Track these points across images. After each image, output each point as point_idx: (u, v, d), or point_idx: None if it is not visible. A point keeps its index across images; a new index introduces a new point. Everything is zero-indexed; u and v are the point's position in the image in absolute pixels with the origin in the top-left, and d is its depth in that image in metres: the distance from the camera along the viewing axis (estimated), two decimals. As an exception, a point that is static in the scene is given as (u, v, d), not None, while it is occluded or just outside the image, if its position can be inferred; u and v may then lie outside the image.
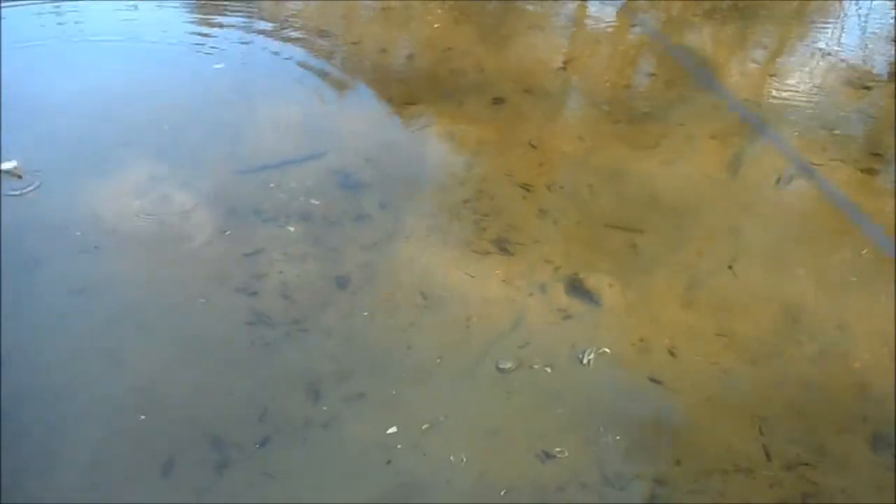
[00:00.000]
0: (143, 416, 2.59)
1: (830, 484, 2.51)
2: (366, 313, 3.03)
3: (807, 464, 2.56)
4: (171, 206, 3.52)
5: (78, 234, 3.33)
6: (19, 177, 3.32)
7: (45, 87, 4.39)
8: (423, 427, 2.60)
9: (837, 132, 4.32)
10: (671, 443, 2.61)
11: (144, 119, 4.13)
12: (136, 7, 5.50)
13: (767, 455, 2.57)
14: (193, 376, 2.75)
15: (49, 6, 5.45)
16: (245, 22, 5.31)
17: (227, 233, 3.39)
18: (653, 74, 5.00)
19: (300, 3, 5.74)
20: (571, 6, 5.92)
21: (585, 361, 2.85)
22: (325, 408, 2.65)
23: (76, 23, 5.27)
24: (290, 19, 5.36)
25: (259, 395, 2.69)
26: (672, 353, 2.91)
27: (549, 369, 2.82)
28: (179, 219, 3.45)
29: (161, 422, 2.59)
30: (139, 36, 5.07)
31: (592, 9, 5.87)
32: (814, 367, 2.90)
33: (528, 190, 3.74)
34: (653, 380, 2.81)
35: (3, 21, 5.11)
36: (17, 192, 3.49)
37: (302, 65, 4.80)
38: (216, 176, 3.73)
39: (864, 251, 3.47)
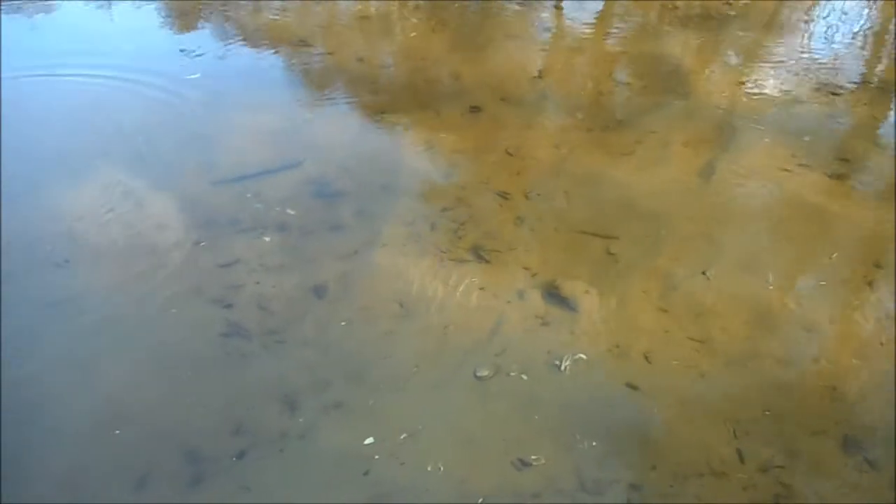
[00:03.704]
0: (117, 431, 2.57)
1: (803, 486, 2.54)
2: (343, 323, 3.02)
3: (780, 466, 2.59)
4: (146, 217, 3.49)
5: (49, 247, 3.30)
6: None
7: (16, 98, 4.34)
8: (401, 437, 2.60)
9: (807, 138, 4.40)
10: (647, 447, 2.63)
11: (119, 130, 4.10)
12: (111, 18, 5.46)
13: (741, 458, 2.60)
14: (168, 389, 2.73)
15: (21, 12, 5.40)
16: (221, 31, 5.29)
17: (203, 244, 3.37)
18: (627, 82, 5.06)
19: (277, 12, 5.73)
20: (547, 15, 5.97)
21: (562, 368, 2.87)
22: (301, 419, 2.64)
23: (49, 30, 5.22)
24: (267, 29, 5.36)
25: (235, 407, 2.67)
26: (647, 359, 2.94)
27: (525, 376, 2.84)
28: (154, 230, 3.42)
29: (135, 436, 2.57)
30: (114, 46, 5.03)
31: (568, 18, 5.92)
32: (786, 371, 2.95)
33: (505, 198, 3.76)
34: (629, 385, 2.83)
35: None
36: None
37: (278, 74, 4.80)
38: (191, 187, 3.71)
39: (834, 255, 3.53)
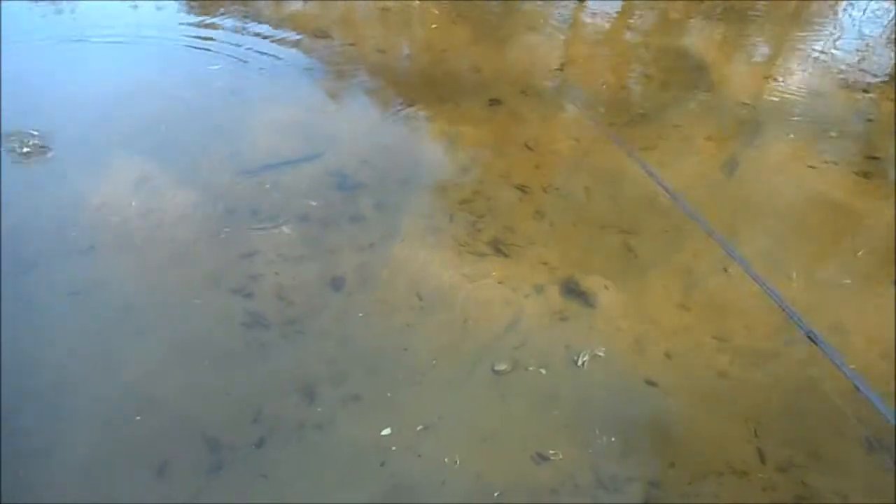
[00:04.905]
0: (138, 417, 2.59)
1: (824, 486, 2.51)
2: (361, 315, 3.03)
3: (801, 466, 2.56)
4: (167, 206, 3.51)
5: (73, 234, 3.33)
6: None
7: (42, 87, 4.38)
8: (418, 429, 2.60)
9: (833, 134, 4.33)
10: (665, 445, 2.61)
11: (141, 119, 4.13)
12: (134, 6, 5.49)
13: (762, 457, 2.58)
14: (189, 377, 2.75)
15: (47, 3, 5.45)
16: (241, 22, 5.30)
17: (223, 234, 3.38)
18: (649, 76, 5.01)
19: (297, 3, 5.73)
20: (568, 8, 5.92)
21: (580, 363, 2.86)
22: (319, 409, 2.65)
23: (73, 20, 5.26)
24: (287, 20, 5.36)
25: (254, 396, 2.69)
26: (667, 356, 2.92)
27: (544, 371, 2.83)
28: (175, 220, 3.44)
29: (156, 423, 2.59)
30: (136, 36, 5.06)
31: (589, 10, 5.87)
32: (808, 369, 2.91)
33: (524, 191, 3.74)
34: (648, 382, 2.81)
35: (1, 16, 5.11)
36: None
37: (299, 66, 4.80)
38: (212, 177, 3.72)
39: (860, 253, 3.48)
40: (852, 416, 2.74)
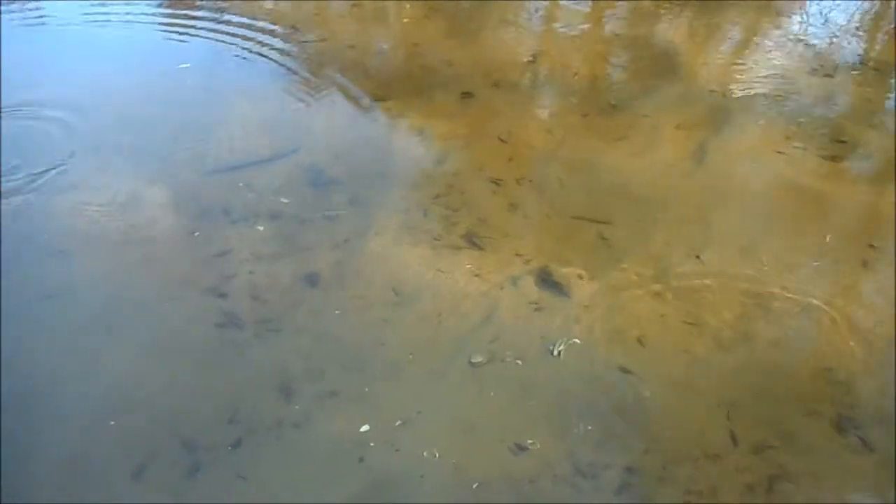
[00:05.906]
0: (112, 422, 2.57)
1: (797, 467, 2.56)
2: (337, 311, 3.03)
3: (773, 447, 2.61)
4: (139, 207, 3.48)
5: (45, 237, 3.29)
6: None
7: (6, 85, 4.31)
8: (396, 424, 2.61)
9: (802, 120, 4.38)
10: (641, 431, 2.64)
11: (111, 119, 4.08)
12: (103, 2, 5.41)
13: (735, 440, 2.62)
14: (164, 378, 2.74)
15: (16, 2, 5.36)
16: (213, 19, 5.25)
17: (196, 234, 3.36)
18: (621, 66, 5.04)
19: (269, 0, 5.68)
20: (540, 0, 5.93)
21: (556, 353, 2.88)
22: (297, 407, 2.65)
23: (40, 17, 5.18)
24: (259, 16, 5.31)
25: (231, 396, 2.68)
26: (641, 343, 2.95)
27: (520, 362, 2.85)
28: (147, 220, 3.41)
29: (132, 425, 2.58)
30: (105, 34, 4.99)
31: (561, 2, 5.88)
32: (780, 353, 2.96)
33: (498, 184, 3.75)
34: (622, 369, 2.84)
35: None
36: None
37: (270, 62, 4.76)
38: (184, 176, 3.69)
39: (828, 237, 3.53)
40: (824, 397, 2.79)
